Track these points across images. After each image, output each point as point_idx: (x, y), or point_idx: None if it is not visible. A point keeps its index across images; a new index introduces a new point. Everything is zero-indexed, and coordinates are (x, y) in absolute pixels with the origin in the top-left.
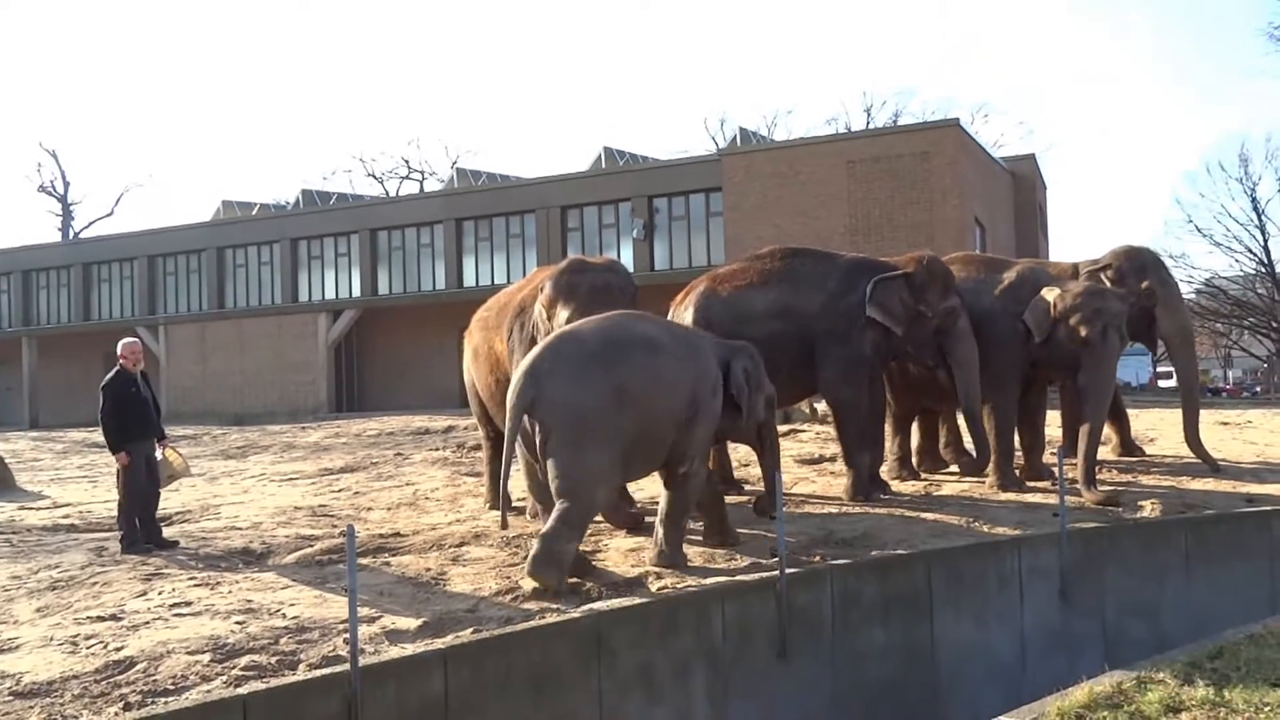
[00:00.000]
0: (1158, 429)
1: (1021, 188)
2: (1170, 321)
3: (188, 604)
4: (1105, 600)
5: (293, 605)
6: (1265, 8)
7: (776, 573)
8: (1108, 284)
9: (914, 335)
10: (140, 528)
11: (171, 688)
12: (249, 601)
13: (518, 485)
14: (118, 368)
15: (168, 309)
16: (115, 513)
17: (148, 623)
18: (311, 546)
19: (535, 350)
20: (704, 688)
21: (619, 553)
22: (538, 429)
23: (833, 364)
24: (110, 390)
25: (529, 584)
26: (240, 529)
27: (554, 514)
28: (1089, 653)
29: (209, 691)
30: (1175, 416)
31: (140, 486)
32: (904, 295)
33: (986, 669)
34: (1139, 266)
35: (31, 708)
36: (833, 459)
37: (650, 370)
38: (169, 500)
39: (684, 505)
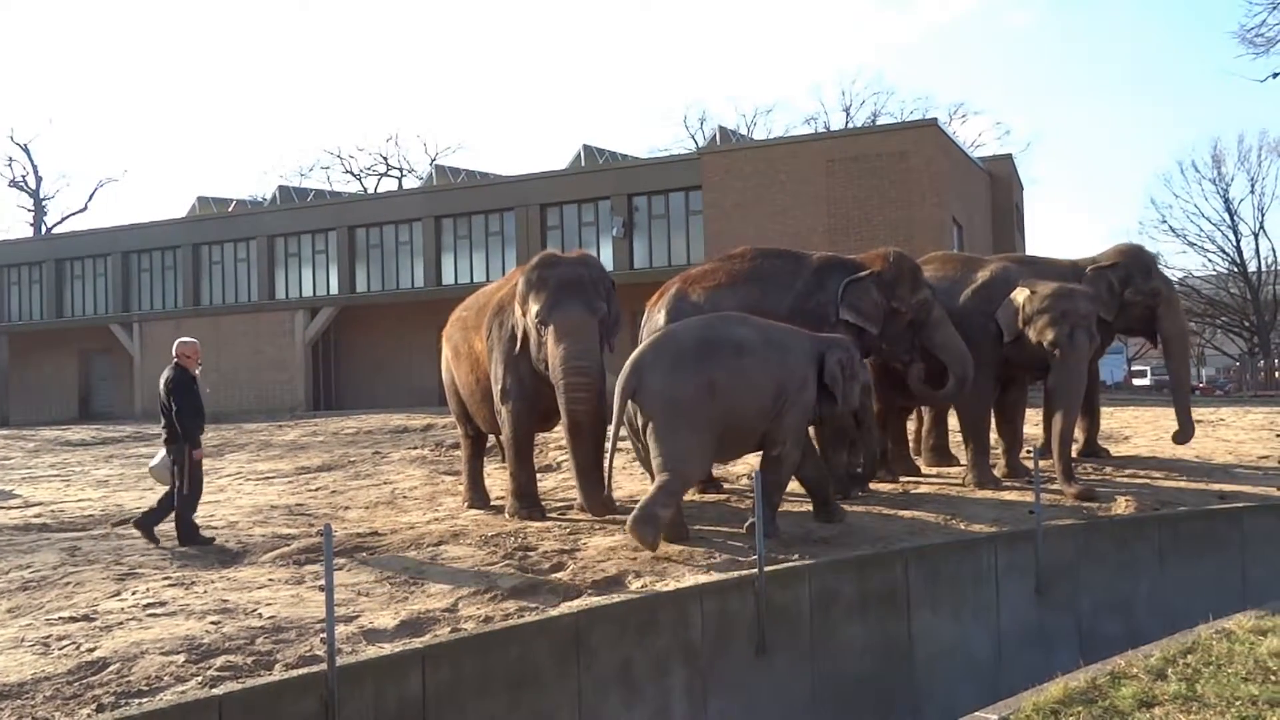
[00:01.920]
0: (1132, 427)
1: (999, 187)
2: (1173, 321)
3: (162, 604)
4: (1080, 596)
5: (269, 605)
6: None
7: (755, 570)
8: (1116, 284)
9: (889, 332)
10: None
11: (145, 689)
12: (224, 601)
13: (496, 486)
14: (177, 365)
15: (142, 306)
16: (148, 508)
17: (121, 623)
18: (288, 545)
19: (641, 346)
20: (683, 686)
21: (597, 550)
22: (639, 414)
23: None
24: (182, 386)
25: (507, 582)
26: (216, 528)
27: (655, 484)
28: (1064, 648)
29: (183, 692)
30: (1149, 414)
31: (201, 482)
32: (875, 294)
33: (963, 665)
34: (1145, 266)
35: (2, 710)
36: None
37: (736, 369)
38: (143, 499)
39: (777, 482)
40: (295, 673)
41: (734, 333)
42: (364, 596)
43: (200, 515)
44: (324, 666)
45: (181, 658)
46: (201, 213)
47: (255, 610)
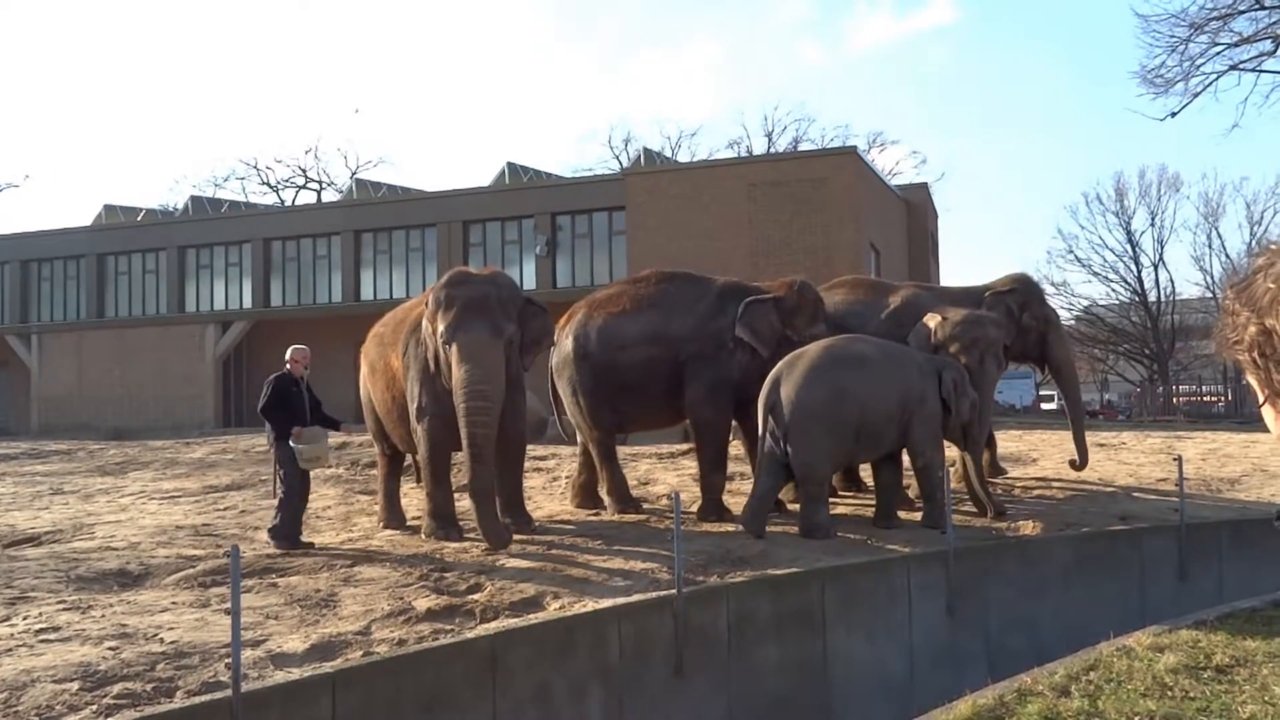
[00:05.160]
0: (1039, 449)
1: (914, 215)
2: (1064, 347)
3: (55, 629)
4: (989, 615)
5: (171, 629)
6: (1140, 50)
7: (673, 591)
8: (1015, 309)
9: (778, 358)
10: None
11: (36, 719)
12: (124, 626)
13: (413, 506)
14: (285, 369)
15: (41, 316)
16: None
17: (10, 650)
18: (193, 567)
19: (778, 365)
20: (600, 707)
21: (516, 571)
22: (775, 424)
23: (697, 385)
24: (271, 385)
25: (422, 603)
26: (116, 549)
27: (801, 496)
28: (974, 666)
29: None
30: (1056, 437)
31: (298, 483)
32: (772, 319)
33: (877, 683)
34: (1038, 293)
35: None
36: (730, 478)
37: (861, 377)
38: (37, 519)
39: (930, 487)
40: (198, 699)
41: (858, 348)
42: (273, 619)
43: (101, 536)
44: (229, 693)
45: (75, 685)
46: (108, 221)
47: (156, 635)
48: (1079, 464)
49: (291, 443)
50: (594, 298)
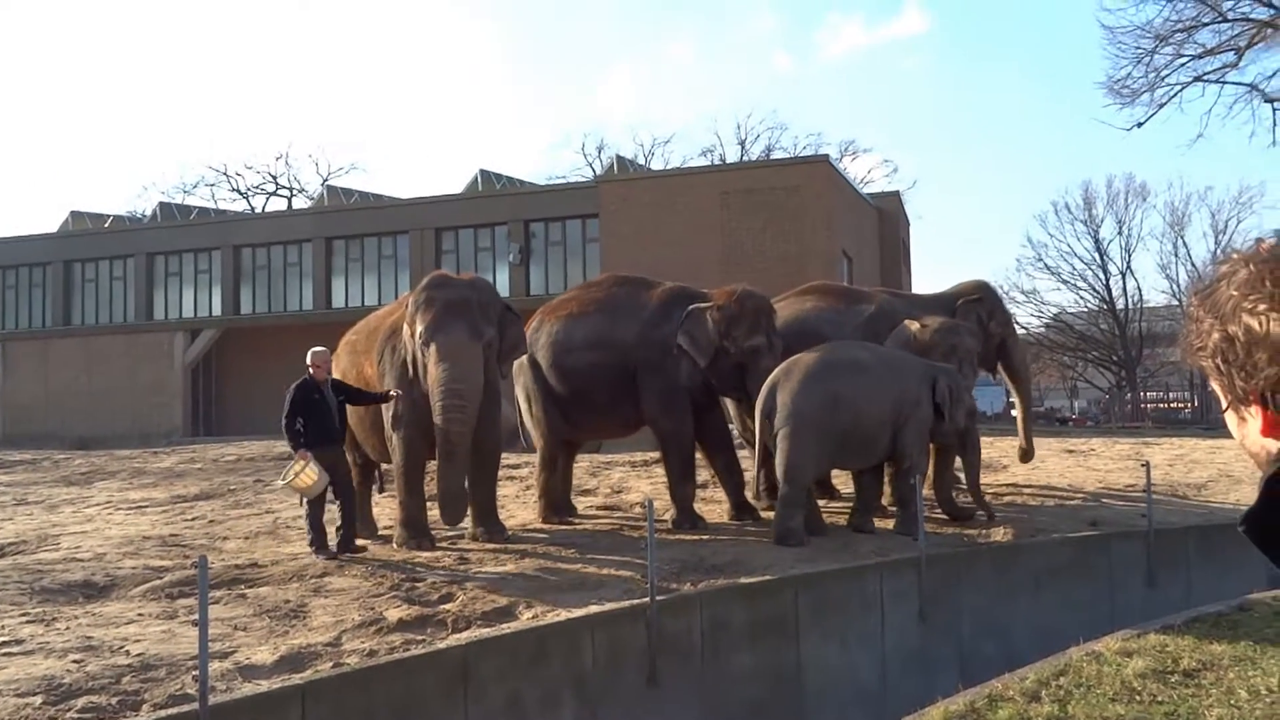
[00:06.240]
0: (1010, 456)
1: (886, 223)
2: (1021, 353)
3: (19, 642)
4: (961, 621)
5: (138, 641)
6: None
7: (647, 600)
8: (984, 316)
9: (717, 368)
10: (341, 532)
11: None
12: (89, 638)
13: (384, 515)
14: (307, 375)
15: (7, 324)
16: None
17: None
18: (161, 578)
19: (775, 370)
20: (573, 717)
21: (488, 580)
22: (770, 428)
23: (651, 396)
24: (292, 394)
25: (393, 614)
26: (82, 560)
27: (779, 499)
28: (946, 672)
29: None
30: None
31: (321, 490)
32: (710, 327)
33: (850, 690)
34: (1000, 301)
35: None
36: (703, 485)
37: (856, 383)
38: (0, 530)
39: (910, 492)
40: (164, 712)
41: (854, 355)
42: (241, 631)
43: (66, 547)
44: (195, 705)
45: (39, 699)
46: (75, 228)
47: (122, 647)
48: (1026, 457)
49: (306, 460)
50: (550, 304)
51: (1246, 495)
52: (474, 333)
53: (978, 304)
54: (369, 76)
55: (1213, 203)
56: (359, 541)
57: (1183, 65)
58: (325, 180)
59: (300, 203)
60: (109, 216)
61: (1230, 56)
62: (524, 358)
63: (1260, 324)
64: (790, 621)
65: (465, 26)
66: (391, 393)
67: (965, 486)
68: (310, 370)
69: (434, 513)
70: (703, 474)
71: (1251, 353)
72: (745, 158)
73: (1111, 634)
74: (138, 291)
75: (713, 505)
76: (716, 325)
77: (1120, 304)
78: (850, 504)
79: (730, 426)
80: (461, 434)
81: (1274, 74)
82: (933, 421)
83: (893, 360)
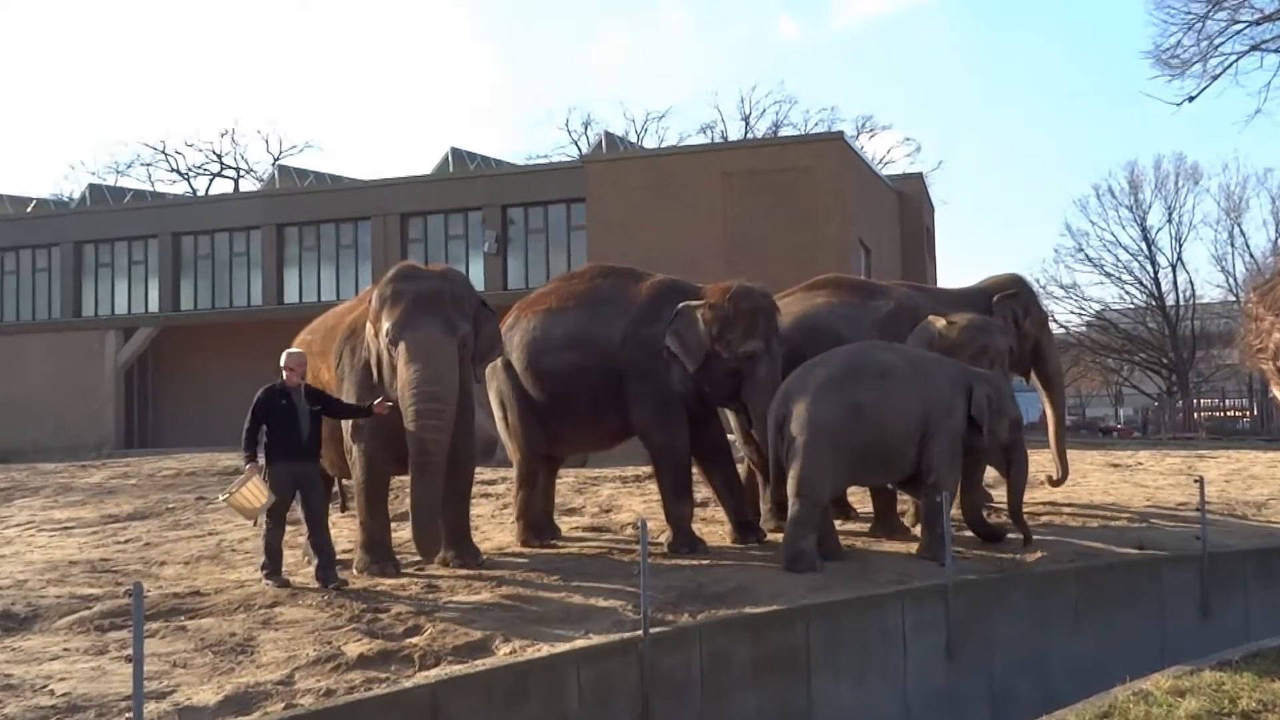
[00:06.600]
0: (1047, 470)
1: (908, 208)
2: (1055, 357)
3: None
4: (993, 656)
5: (63, 680)
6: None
7: (639, 632)
8: (1020, 314)
9: (707, 374)
10: (318, 558)
11: None
12: (7, 676)
13: (343, 537)
14: (280, 379)
15: None
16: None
17: None
18: (89, 608)
19: (791, 375)
20: None
21: (460, 610)
22: (782, 440)
23: (642, 406)
24: (256, 399)
25: (353, 648)
26: None
27: (789, 518)
28: (975, 713)
29: None
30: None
31: (283, 508)
32: (701, 328)
33: None
34: (1035, 297)
35: None
36: (703, 504)
37: (881, 392)
38: None
39: (934, 510)
40: None
41: (880, 358)
42: (181, 668)
43: None
44: None
45: None
46: None
47: (46, 686)
48: (1060, 478)
49: (253, 473)
50: (528, 298)
51: None
52: (448, 329)
53: (1013, 300)
54: (326, 43)
55: (1273, 186)
56: (343, 574)
57: (1239, 32)
58: (276, 160)
59: (248, 185)
60: (31, 200)
61: None
62: (498, 360)
63: None
64: (801, 657)
65: None
66: (379, 404)
67: (1001, 505)
68: (283, 374)
69: (400, 534)
70: (702, 491)
71: None
72: (750, 135)
73: (1161, 671)
74: (64, 284)
75: (714, 526)
76: (708, 327)
77: (1170, 300)
78: (869, 522)
79: (730, 438)
80: (438, 442)
81: None
82: (968, 434)
83: (922, 363)
